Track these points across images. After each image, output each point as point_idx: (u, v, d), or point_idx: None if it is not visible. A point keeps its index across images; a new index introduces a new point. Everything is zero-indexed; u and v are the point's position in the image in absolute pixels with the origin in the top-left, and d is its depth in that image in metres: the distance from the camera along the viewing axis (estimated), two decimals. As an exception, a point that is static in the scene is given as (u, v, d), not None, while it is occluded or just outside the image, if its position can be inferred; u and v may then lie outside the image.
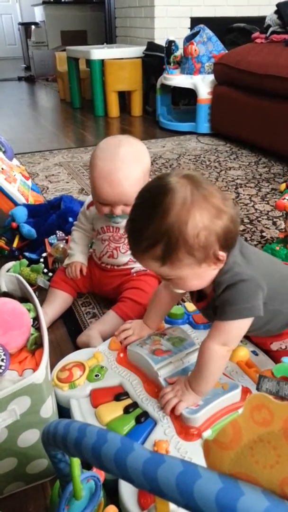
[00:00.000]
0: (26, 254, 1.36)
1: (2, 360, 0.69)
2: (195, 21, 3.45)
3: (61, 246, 1.31)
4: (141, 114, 3.66)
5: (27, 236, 1.39)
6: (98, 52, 3.43)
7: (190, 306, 1.03)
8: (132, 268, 1.13)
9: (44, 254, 1.33)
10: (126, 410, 0.76)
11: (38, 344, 0.79)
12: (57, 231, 1.35)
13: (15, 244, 1.40)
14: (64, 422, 0.42)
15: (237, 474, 0.31)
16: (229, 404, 0.75)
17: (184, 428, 0.72)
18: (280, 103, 2.31)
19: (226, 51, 2.86)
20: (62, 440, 0.41)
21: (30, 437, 0.69)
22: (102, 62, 3.42)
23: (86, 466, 0.53)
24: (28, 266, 1.26)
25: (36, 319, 0.83)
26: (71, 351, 0.95)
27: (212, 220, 0.63)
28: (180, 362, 0.83)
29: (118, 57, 3.47)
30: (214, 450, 0.33)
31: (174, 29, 3.57)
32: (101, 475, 0.57)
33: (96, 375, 0.83)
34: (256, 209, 1.80)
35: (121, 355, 0.89)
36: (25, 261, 1.27)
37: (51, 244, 1.32)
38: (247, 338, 0.92)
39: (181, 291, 0.76)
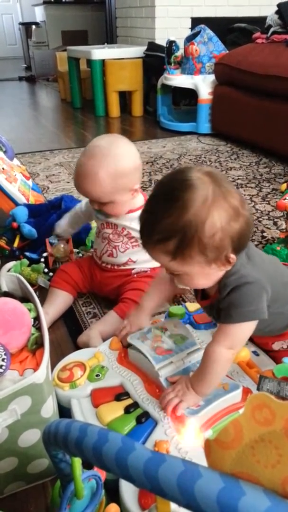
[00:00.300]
0: (27, 254, 1.36)
1: (3, 360, 0.69)
2: (195, 21, 3.45)
3: (62, 246, 1.30)
4: (141, 114, 3.66)
5: (27, 236, 1.39)
6: (99, 52, 3.43)
7: (191, 306, 1.03)
8: (133, 269, 1.13)
9: (44, 254, 1.33)
10: (127, 410, 0.76)
11: (38, 344, 0.79)
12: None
13: (15, 244, 1.40)
14: (65, 422, 0.42)
15: (239, 474, 0.31)
16: (230, 405, 0.75)
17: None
18: (281, 103, 2.30)
19: (227, 51, 2.86)
20: (63, 440, 0.41)
21: (31, 437, 0.69)
22: (103, 62, 3.42)
23: (87, 465, 0.52)
24: (28, 266, 1.27)
25: (37, 319, 0.83)
26: (71, 351, 0.95)
27: (229, 222, 0.63)
28: (181, 362, 0.83)
29: (119, 57, 3.47)
30: (215, 450, 0.33)
31: (175, 29, 3.57)
32: (102, 474, 0.57)
33: (96, 375, 0.83)
34: (257, 209, 1.80)
35: (122, 355, 0.89)
36: (25, 261, 1.27)
37: (51, 244, 1.32)
38: (249, 338, 0.92)
39: (184, 287, 0.76)
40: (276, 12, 2.56)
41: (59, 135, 3.17)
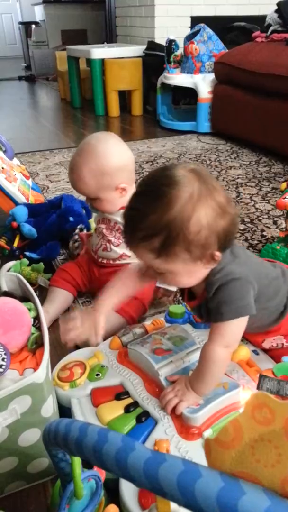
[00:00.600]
0: (27, 253, 1.36)
1: (3, 359, 0.69)
2: (195, 20, 3.44)
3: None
4: (141, 114, 3.66)
5: (27, 235, 1.39)
6: (99, 52, 3.43)
7: (191, 306, 1.03)
8: (129, 263, 1.14)
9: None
10: (127, 410, 0.76)
11: (38, 343, 0.79)
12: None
13: (15, 244, 1.40)
14: (65, 421, 0.42)
15: (239, 473, 0.31)
16: (229, 404, 0.75)
17: (184, 427, 0.72)
18: (281, 102, 2.30)
19: (227, 50, 2.85)
20: (63, 439, 0.41)
21: (31, 436, 0.69)
22: (103, 61, 3.41)
23: (87, 465, 0.52)
24: (28, 265, 1.27)
25: (37, 318, 0.83)
26: (71, 350, 0.95)
27: (215, 219, 0.62)
28: (181, 362, 0.83)
29: (119, 56, 3.47)
30: (215, 449, 0.33)
31: (175, 28, 3.57)
32: (102, 474, 0.57)
33: (96, 374, 0.83)
34: (256, 208, 1.80)
35: (122, 354, 0.89)
36: (25, 261, 1.27)
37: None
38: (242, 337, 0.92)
39: (167, 287, 0.76)
40: (276, 11, 2.56)
41: (59, 134, 3.17)
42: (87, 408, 0.77)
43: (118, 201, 1.05)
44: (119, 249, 1.12)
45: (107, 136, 1.05)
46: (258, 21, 3.15)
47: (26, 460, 0.70)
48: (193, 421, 0.71)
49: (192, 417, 0.71)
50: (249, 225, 1.65)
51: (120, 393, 0.79)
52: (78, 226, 1.40)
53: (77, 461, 0.48)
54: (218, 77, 2.80)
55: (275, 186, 2.04)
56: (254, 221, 1.68)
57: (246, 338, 0.92)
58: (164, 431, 0.71)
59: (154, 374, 0.81)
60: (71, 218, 1.43)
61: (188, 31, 3.24)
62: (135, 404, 0.77)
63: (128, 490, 0.62)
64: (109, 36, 4.75)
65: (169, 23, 3.56)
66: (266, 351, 0.90)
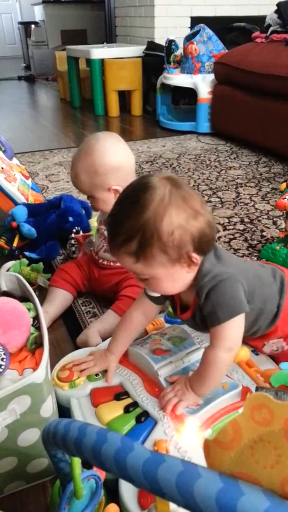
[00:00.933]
0: (26, 253, 1.36)
1: (2, 359, 0.69)
2: (195, 21, 3.44)
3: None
4: (141, 114, 3.66)
5: (27, 235, 1.39)
6: (98, 52, 3.43)
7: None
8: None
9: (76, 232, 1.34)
10: (127, 410, 0.76)
11: (38, 343, 0.79)
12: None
13: (15, 244, 1.40)
14: (64, 421, 0.42)
15: (238, 474, 0.31)
16: (229, 404, 0.75)
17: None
18: (281, 103, 2.30)
19: (226, 51, 2.85)
20: (62, 439, 0.41)
21: (30, 437, 0.69)
22: (102, 61, 3.41)
23: (86, 465, 0.52)
24: (28, 265, 1.27)
25: (36, 318, 0.83)
26: (71, 350, 0.95)
27: (188, 220, 0.64)
28: (180, 362, 0.83)
29: (118, 56, 3.47)
30: (214, 450, 0.33)
31: (174, 28, 3.57)
32: (102, 474, 0.57)
33: (96, 375, 0.83)
34: (256, 209, 1.80)
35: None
36: (25, 261, 1.27)
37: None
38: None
39: (155, 294, 0.77)
40: (276, 11, 2.56)
41: (59, 134, 3.17)
42: (86, 408, 0.77)
43: (112, 201, 1.05)
44: None
45: (108, 136, 1.05)
46: (258, 21, 3.15)
47: (26, 460, 0.70)
48: (192, 421, 0.71)
49: (192, 417, 0.71)
50: (248, 225, 1.65)
51: (120, 393, 0.79)
52: (74, 229, 1.39)
53: (76, 461, 0.48)
54: (217, 77, 2.80)
55: (275, 187, 2.04)
56: (254, 221, 1.68)
57: (246, 343, 0.92)
58: (164, 431, 0.71)
59: (153, 375, 0.81)
60: (70, 218, 1.43)
61: (188, 31, 3.24)
62: (135, 404, 0.77)
63: (127, 490, 0.62)
64: (108, 36, 4.75)
65: (169, 23, 3.56)
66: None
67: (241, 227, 1.63)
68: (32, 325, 0.81)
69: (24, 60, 7.42)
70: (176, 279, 0.70)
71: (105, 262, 1.15)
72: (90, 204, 1.12)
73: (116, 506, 0.57)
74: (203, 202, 0.68)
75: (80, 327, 1.10)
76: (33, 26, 6.64)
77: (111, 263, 1.14)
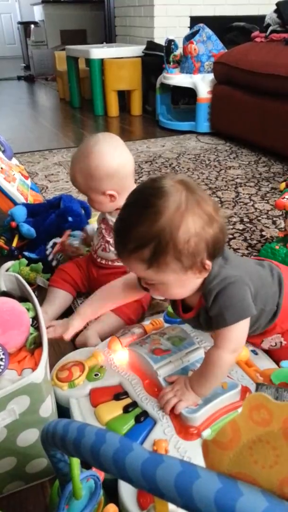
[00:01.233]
0: (26, 253, 1.36)
1: (1, 359, 0.69)
2: (194, 20, 3.45)
3: (76, 242, 1.29)
4: (140, 114, 3.66)
5: (26, 235, 1.39)
6: (98, 51, 3.43)
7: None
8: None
9: (55, 242, 1.32)
10: (126, 410, 0.76)
11: (37, 343, 0.79)
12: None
13: (14, 244, 1.40)
14: (63, 422, 0.42)
15: (236, 474, 0.31)
16: (228, 404, 0.75)
17: (183, 427, 0.72)
18: (280, 102, 2.30)
19: (226, 50, 2.85)
20: (61, 440, 0.40)
21: (30, 437, 0.69)
22: (102, 61, 3.41)
23: (85, 465, 0.52)
24: (27, 265, 1.26)
25: (35, 318, 0.83)
26: (70, 350, 0.95)
27: (203, 228, 0.63)
28: (179, 362, 0.83)
29: (118, 56, 3.47)
30: (213, 450, 0.33)
31: (174, 28, 3.57)
32: (101, 474, 0.57)
33: (95, 375, 0.83)
34: (256, 208, 1.80)
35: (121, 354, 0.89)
36: (24, 261, 1.27)
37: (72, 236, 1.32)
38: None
39: (160, 297, 0.77)
40: (275, 11, 2.56)
41: (58, 134, 3.17)
42: (86, 408, 0.77)
43: (108, 204, 1.05)
44: None
45: (107, 139, 1.03)
46: (257, 21, 3.15)
47: (25, 460, 0.70)
48: (192, 421, 0.71)
49: (191, 417, 0.71)
50: (248, 225, 1.65)
51: (119, 393, 0.79)
52: (51, 243, 1.33)
53: (75, 461, 0.48)
54: (217, 77, 2.80)
55: (274, 186, 2.04)
56: (253, 221, 1.68)
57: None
58: (163, 431, 0.71)
59: (153, 374, 0.81)
60: (70, 218, 1.42)
61: (187, 31, 3.24)
62: (134, 404, 0.77)
63: (127, 490, 0.62)
64: (108, 36, 4.76)
65: (168, 23, 3.56)
66: (265, 351, 0.90)
67: (241, 226, 1.63)
68: (31, 325, 0.81)
69: (24, 60, 7.42)
70: (185, 285, 0.69)
71: (104, 261, 1.15)
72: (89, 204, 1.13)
73: (115, 507, 0.57)
74: (216, 205, 0.67)
75: (80, 327, 1.10)
76: (32, 26, 6.63)
77: (110, 262, 1.14)
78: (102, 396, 0.79)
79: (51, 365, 0.83)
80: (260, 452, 0.30)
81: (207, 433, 0.71)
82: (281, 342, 0.86)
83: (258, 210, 1.78)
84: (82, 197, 1.14)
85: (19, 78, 6.35)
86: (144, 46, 3.50)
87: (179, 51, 3.02)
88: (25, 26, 7.00)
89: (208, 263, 0.66)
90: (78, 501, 0.52)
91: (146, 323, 0.98)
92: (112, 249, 1.12)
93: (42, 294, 1.18)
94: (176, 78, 3.00)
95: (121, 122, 3.46)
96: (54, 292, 1.15)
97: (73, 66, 3.84)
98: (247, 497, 0.27)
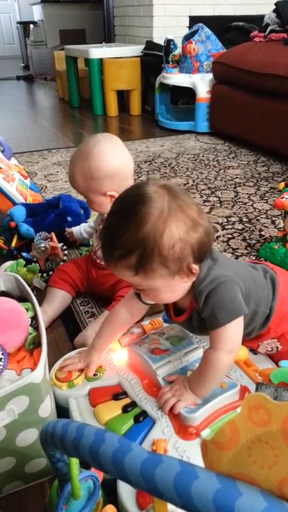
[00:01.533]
0: (23, 254, 1.36)
1: (0, 359, 0.69)
2: (193, 20, 3.45)
3: (42, 245, 1.29)
4: (140, 113, 3.66)
5: (25, 235, 1.39)
6: (97, 51, 3.42)
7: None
8: None
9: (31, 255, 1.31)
10: (125, 409, 0.76)
11: (36, 343, 0.79)
12: (41, 232, 1.35)
13: (13, 244, 1.40)
14: (62, 422, 0.42)
15: (235, 475, 0.31)
16: (227, 403, 0.75)
17: (182, 427, 0.72)
18: (279, 102, 2.30)
19: (225, 50, 2.85)
20: (60, 440, 0.40)
21: (29, 437, 0.69)
22: (101, 61, 3.41)
23: (84, 465, 0.52)
24: (25, 266, 1.26)
25: (35, 318, 0.83)
26: (69, 350, 0.95)
27: (187, 233, 0.63)
28: (178, 361, 0.83)
29: (117, 56, 3.47)
30: (212, 450, 0.33)
31: (173, 28, 3.57)
32: (100, 474, 0.57)
33: (94, 375, 0.83)
34: (255, 208, 1.80)
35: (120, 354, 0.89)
36: (22, 261, 1.27)
37: (37, 246, 1.29)
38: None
39: (151, 302, 0.77)
40: (274, 11, 2.56)
41: (57, 134, 3.17)
42: (85, 408, 0.77)
43: (108, 205, 1.04)
44: None
45: (107, 140, 1.03)
46: (256, 21, 3.15)
47: (24, 460, 0.70)
48: (190, 420, 0.71)
49: (190, 417, 0.71)
50: (247, 224, 1.65)
51: (118, 393, 0.79)
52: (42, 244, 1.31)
53: (74, 461, 0.48)
54: (216, 76, 2.80)
55: (273, 186, 2.04)
56: (252, 220, 1.68)
57: (242, 344, 0.92)
58: (162, 431, 0.71)
59: (152, 374, 0.81)
60: (69, 218, 1.43)
61: (186, 30, 3.24)
62: (133, 404, 0.77)
63: (126, 490, 0.62)
64: (107, 36, 4.75)
65: (168, 23, 3.56)
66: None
67: (240, 226, 1.63)
68: (30, 325, 0.81)
69: (23, 60, 7.42)
70: (175, 289, 0.69)
71: (103, 262, 1.15)
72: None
73: (114, 508, 0.57)
74: (200, 209, 0.67)
75: (79, 327, 1.10)
76: (31, 25, 6.63)
77: None
78: (101, 396, 0.79)
79: (50, 365, 0.83)
80: (259, 452, 0.30)
81: (206, 433, 0.71)
82: (277, 347, 0.86)
83: (257, 210, 1.78)
84: (81, 197, 1.14)
85: (18, 78, 6.35)
86: (143, 46, 3.50)
87: (178, 51, 3.02)
88: (24, 26, 7.00)
89: (195, 267, 0.66)
90: (77, 501, 0.52)
91: (145, 323, 0.98)
92: None
93: (40, 294, 1.17)
94: (175, 78, 3.00)
95: (120, 122, 3.46)
96: (53, 292, 1.15)
97: (72, 66, 3.83)
98: (246, 497, 0.27)
